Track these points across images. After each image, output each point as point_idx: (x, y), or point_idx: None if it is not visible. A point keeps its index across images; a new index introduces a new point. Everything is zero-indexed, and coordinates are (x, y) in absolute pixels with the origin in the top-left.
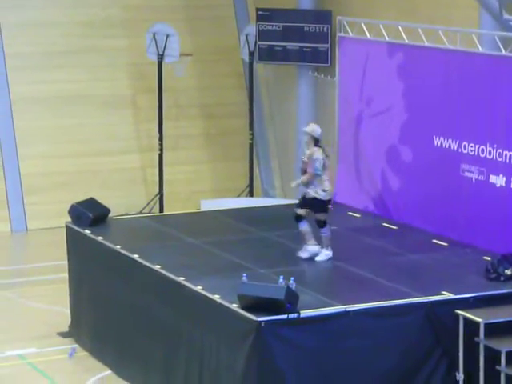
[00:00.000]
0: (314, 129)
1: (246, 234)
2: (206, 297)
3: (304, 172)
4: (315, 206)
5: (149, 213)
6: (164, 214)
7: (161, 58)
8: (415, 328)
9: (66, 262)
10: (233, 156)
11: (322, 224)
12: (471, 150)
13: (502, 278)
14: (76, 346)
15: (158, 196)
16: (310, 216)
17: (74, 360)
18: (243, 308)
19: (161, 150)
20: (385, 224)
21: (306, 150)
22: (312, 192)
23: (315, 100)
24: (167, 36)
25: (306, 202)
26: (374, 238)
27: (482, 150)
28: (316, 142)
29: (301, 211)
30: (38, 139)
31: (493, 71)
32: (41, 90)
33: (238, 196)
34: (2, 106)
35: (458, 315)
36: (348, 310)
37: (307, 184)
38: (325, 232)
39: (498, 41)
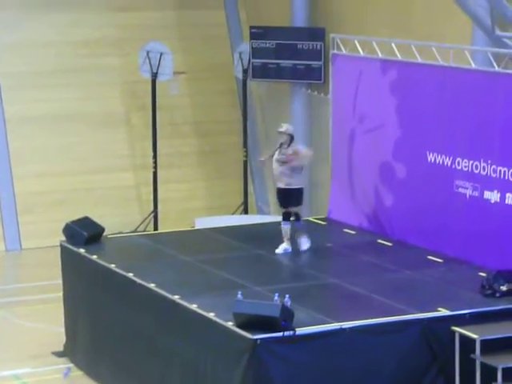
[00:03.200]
0: (288, 127)
1: (241, 251)
2: (201, 315)
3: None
4: (299, 196)
5: (143, 231)
6: (158, 232)
7: (154, 76)
8: (411, 345)
9: (60, 281)
10: (227, 173)
11: (298, 217)
12: (465, 166)
13: (497, 294)
14: (71, 365)
15: (153, 214)
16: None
17: (69, 380)
18: (238, 326)
19: (155, 168)
20: (380, 241)
21: (283, 149)
22: (297, 182)
23: (309, 117)
24: (161, 54)
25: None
26: (369, 254)
27: (476, 165)
28: (292, 139)
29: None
30: (32, 158)
31: (486, 87)
32: (35, 109)
33: (233, 213)
34: None
35: (454, 332)
36: (344, 327)
37: (291, 173)
38: (300, 223)
39: (490, 57)
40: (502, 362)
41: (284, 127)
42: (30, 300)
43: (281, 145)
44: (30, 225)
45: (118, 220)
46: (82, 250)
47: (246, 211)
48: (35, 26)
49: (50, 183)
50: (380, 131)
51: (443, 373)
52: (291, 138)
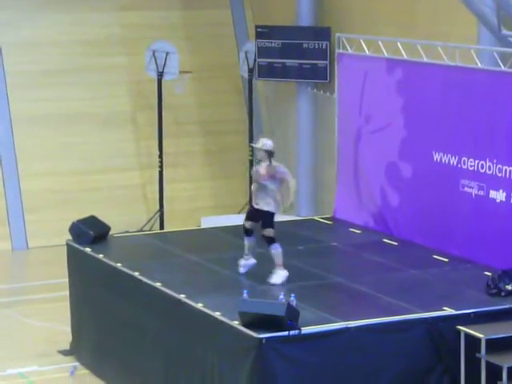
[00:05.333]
0: (265, 143)
1: None
2: (207, 314)
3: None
4: (264, 219)
5: (149, 230)
6: (164, 231)
7: (160, 75)
8: (416, 344)
9: (66, 280)
10: (233, 173)
11: (270, 240)
12: (471, 166)
13: (502, 294)
14: (77, 364)
15: (159, 213)
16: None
17: (75, 378)
18: (244, 325)
19: (161, 167)
20: (385, 240)
21: (261, 164)
22: (264, 205)
23: (315, 116)
24: (167, 53)
25: (255, 215)
26: (374, 254)
27: (482, 165)
28: (271, 155)
29: (248, 224)
30: (38, 157)
31: (492, 87)
32: (41, 109)
33: (239, 213)
34: (3, 124)
35: (459, 331)
36: (349, 326)
37: (260, 195)
38: (276, 248)
39: (496, 56)
40: (507, 362)
41: (260, 143)
42: (36, 299)
43: (259, 162)
44: (37, 224)
45: (124, 219)
46: (88, 249)
47: None
48: (41, 25)
49: (57, 182)
50: (386, 131)
51: (448, 372)
52: (269, 155)
